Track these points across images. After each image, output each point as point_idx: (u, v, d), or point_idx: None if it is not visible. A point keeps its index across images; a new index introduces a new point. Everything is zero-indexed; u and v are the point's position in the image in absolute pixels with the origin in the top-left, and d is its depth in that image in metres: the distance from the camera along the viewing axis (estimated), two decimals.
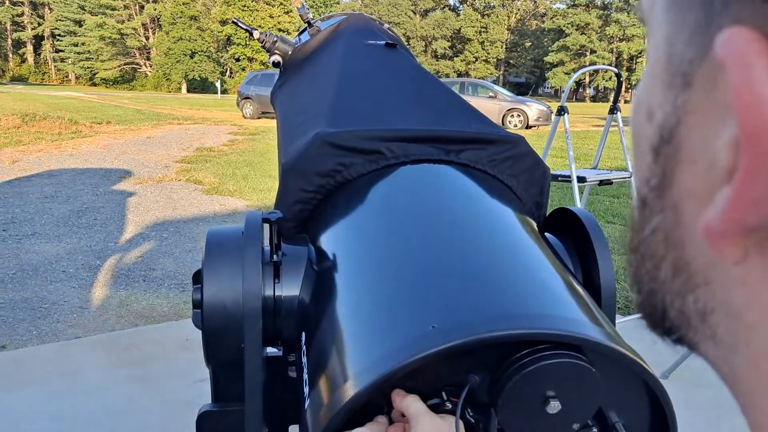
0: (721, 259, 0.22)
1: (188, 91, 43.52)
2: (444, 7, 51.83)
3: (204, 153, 10.29)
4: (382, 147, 1.06)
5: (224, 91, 37.37)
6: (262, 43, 1.86)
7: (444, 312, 0.73)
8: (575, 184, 2.76)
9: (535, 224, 1.02)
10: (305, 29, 1.91)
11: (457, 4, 52.61)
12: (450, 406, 0.71)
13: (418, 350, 0.66)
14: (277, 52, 1.84)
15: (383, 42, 1.62)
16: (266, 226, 0.96)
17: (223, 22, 41.19)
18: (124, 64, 46.96)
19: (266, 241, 0.96)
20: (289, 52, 1.82)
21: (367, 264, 0.90)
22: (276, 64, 1.85)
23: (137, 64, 47.44)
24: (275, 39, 1.83)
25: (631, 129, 0.28)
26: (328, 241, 0.99)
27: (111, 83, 46.42)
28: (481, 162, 1.09)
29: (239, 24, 1.95)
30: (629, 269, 0.29)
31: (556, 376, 0.67)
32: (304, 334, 0.90)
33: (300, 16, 1.89)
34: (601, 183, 2.92)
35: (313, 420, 0.73)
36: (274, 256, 0.94)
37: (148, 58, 47.15)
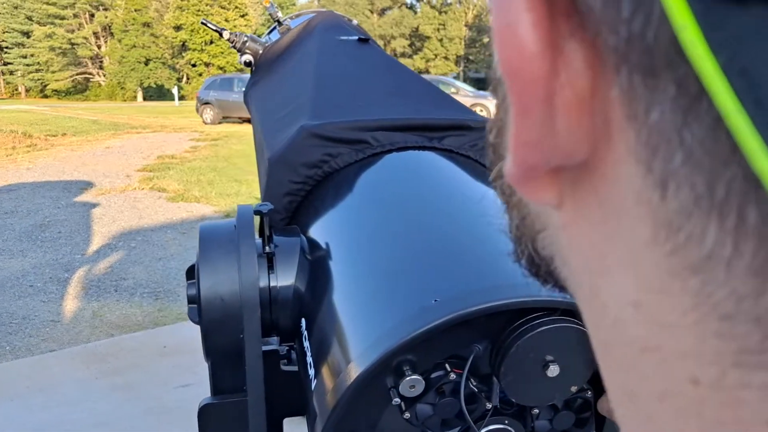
0: (543, 204, 0.21)
1: (144, 99, 42.77)
2: (401, 6, 52.00)
3: (166, 160, 10.15)
4: (367, 136, 1.09)
5: (182, 98, 36.85)
6: (232, 43, 1.86)
7: (444, 286, 0.76)
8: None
9: None
10: (275, 28, 1.92)
11: (414, 2, 52.86)
12: (454, 377, 0.74)
13: (424, 322, 0.69)
14: (247, 51, 1.85)
15: (356, 37, 1.64)
16: (256, 220, 0.98)
17: (177, 28, 40.58)
18: (76, 75, 45.90)
19: (257, 234, 0.98)
20: (260, 51, 1.83)
21: (362, 248, 0.93)
22: (248, 64, 1.86)
23: (90, 73, 46.43)
24: (245, 39, 1.85)
25: None
26: (319, 230, 1.01)
27: (63, 94, 45.33)
28: (464, 147, 1.12)
29: (209, 25, 1.95)
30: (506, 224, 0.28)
31: (555, 341, 0.71)
32: (304, 320, 0.92)
33: (270, 14, 1.91)
34: None
35: (326, 396, 0.74)
36: (267, 247, 0.96)
37: (101, 68, 46.19)
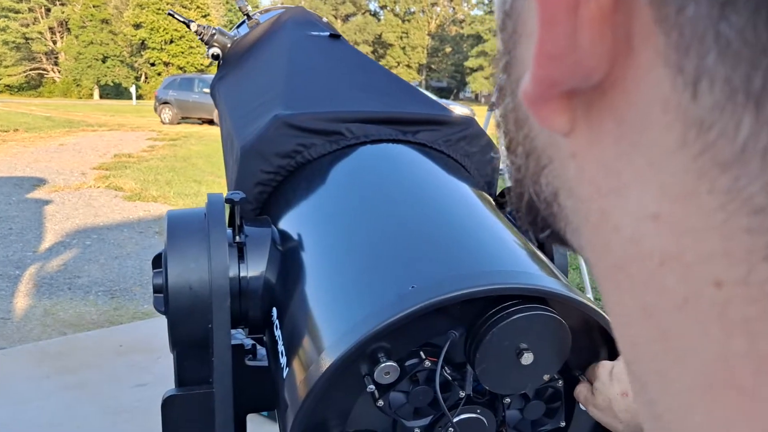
0: (551, 131, 0.21)
1: (101, 97, 41.80)
2: (365, 12, 52.20)
3: (123, 159, 9.93)
4: (341, 128, 1.08)
5: (139, 97, 36.14)
6: (199, 35, 1.83)
7: (420, 274, 0.76)
8: (507, 176, 2.89)
9: (491, 198, 1.07)
10: (243, 22, 1.90)
11: (378, 10, 53.13)
12: (429, 365, 0.74)
13: (402, 308, 0.69)
14: (215, 44, 1.82)
15: (327, 33, 1.64)
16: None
17: (137, 26, 39.82)
18: (30, 70, 44.59)
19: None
20: (228, 45, 1.81)
21: (336, 238, 0.92)
22: (215, 57, 1.84)
23: (44, 69, 45.14)
24: (213, 31, 1.82)
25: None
26: (291, 220, 1.00)
27: (15, 90, 43.95)
28: (437, 142, 1.13)
29: (176, 16, 1.92)
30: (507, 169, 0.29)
31: (529, 328, 0.72)
32: (275, 309, 0.91)
33: (239, 8, 1.88)
34: None
35: (302, 381, 0.73)
36: (237, 237, 0.94)
37: (56, 63, 44.97)
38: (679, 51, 0.16)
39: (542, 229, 0.27)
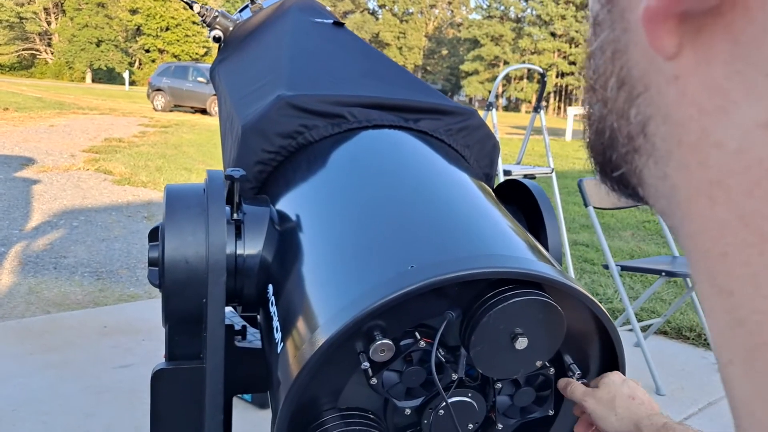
0: (657, 53, 0.22)
1: (93, 81, 41.49)
2: (363, 11, 52.18)
3: (113, 143, 9.85)
4: (344, 111, 1.09)
5: (132, 83, 35.93)
6: (202, 17, 1.83)
7: (420, 254, 0.77)
8: (501, 177, 2.90)
9: (490, 189, 1.08)
10: (246, 6, 1.89)
11: (377, 8, 53.12)
12: (424, 345, 0.74)
13: (400, 286, 0.69)
14: (217, 27, 1.81)
15: (331, 21, 1.64)
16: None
17: (133, 11, 39.54)
18: (23, 50, 44.16)
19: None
20: (230, 28, 1.80)
21: (335, 219, 0.92)
22: (216, 39, 1.83)
23: (37, 50, 44.72)
24: (216, 14, 1.81)
25: None
26: (291, 201, 1.00)
27: (7, 69, 43.51)
28: (438, 131, 1.13)
29: None
30: (584, 111, 0.30)
31: (526, 313, 0.72)
32: (271, 286, 0.91)
33: None
34: (525, 177, 3.13)
35: (296, 356, 0.73)
36: (235, 214, 0.94)
37: (50, 45, 44.55)
38: None
39: (613, 170, 0.28)
